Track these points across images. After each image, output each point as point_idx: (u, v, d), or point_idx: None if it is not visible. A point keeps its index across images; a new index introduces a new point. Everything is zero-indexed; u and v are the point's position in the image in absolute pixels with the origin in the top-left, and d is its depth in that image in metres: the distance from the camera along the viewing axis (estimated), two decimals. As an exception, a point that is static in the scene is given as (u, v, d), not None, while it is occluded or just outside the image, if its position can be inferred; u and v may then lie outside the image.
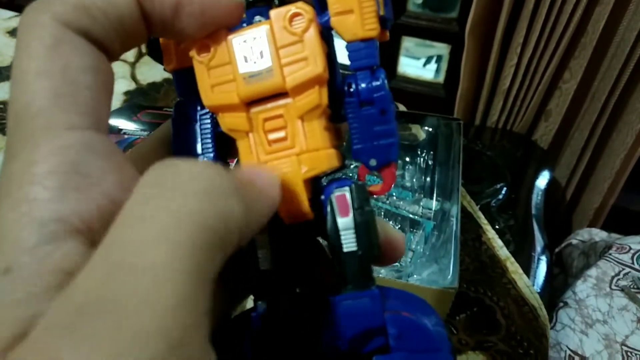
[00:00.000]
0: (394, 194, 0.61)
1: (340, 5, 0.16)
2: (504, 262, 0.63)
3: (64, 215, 0.12)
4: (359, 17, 0.16)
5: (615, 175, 0.96)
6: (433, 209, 0.60)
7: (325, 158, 0.16)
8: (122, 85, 0.86)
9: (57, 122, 0.13)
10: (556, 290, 0.76)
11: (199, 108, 0.18)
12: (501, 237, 0.66)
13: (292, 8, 0.15)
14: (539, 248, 0.69)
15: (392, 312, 0.16)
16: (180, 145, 0.18)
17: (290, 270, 0.17)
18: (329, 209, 0.16)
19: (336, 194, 0.16)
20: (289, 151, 0.16)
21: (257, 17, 0.17)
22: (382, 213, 0.59)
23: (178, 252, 0.11)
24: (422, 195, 0.61)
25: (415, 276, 0.51)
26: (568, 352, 0.61)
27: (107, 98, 0.15)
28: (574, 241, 0.85)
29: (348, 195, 0.16)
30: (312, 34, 0.15)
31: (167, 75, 0.90)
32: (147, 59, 0.94)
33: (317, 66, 0.15)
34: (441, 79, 1.13)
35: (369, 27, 0.16)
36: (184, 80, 0.18)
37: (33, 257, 0.12)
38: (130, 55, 0.95)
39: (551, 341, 0.60)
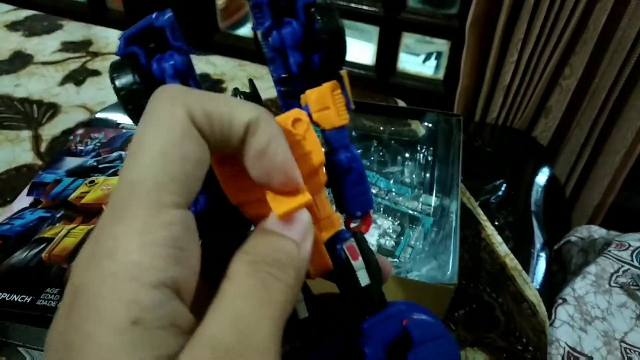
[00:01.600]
0: (394, 189, 0.61)
1: (319, 105, 0.21)
2: (503, 258, 0.62)
3: (167, 282, 0.15)
4: (335, 111, 0.21)
5: (614, 173, 0.96)
6: (432, 205, 0.59)
7: (336, 221, 0.22)
8: (120, 80, 0.86)
9: (167, 201, 0.16)
10: (555, 287, 0.76)
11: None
12: (500, 233, 0.66)
13: (290, 115, 0.19)
14: (538, 245, 0.69)
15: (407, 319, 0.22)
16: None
17: (323, 312, 0.22)
18: (342, 256, 0.22)
19: (346, 245, 0.22)
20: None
21: None
22: (382, 209, 0.58)
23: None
24: (422, 191, 0.61)
25: (414, 272, 0.51)
26: (567, 348, 0.61)
27: (194, 168, 0.17)
28: (573, 238, 0.85)
29: (355, 244, 0.22)
30: (311, 133, 0.20)
31: (166, 69, 0.89)
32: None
33: (319, 156, 0.20)
34: (441, 75, 1.13)
35: (343, 117, 0.21)
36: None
37: (152, 314, 0.15)
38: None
39: (550, 338, 0.60)
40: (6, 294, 0.42)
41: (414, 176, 0.64)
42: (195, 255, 0.17)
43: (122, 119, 0.63)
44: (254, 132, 0.17)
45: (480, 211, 0.69)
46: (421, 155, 0.67)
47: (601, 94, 0.89)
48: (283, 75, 0.21)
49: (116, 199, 0.16)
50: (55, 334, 0.15)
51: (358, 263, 0.22)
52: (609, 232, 0.83)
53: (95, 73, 0.87)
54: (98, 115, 0.65)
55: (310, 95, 0.21)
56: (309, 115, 0.21)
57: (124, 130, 0.61)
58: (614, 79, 0.87)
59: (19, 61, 0.89)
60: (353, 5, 1.15)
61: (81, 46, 0.95)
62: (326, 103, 0.21)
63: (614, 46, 0.84)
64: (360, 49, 1.42)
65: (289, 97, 0.22)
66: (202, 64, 0.91)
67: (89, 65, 0.89)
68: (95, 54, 0.93)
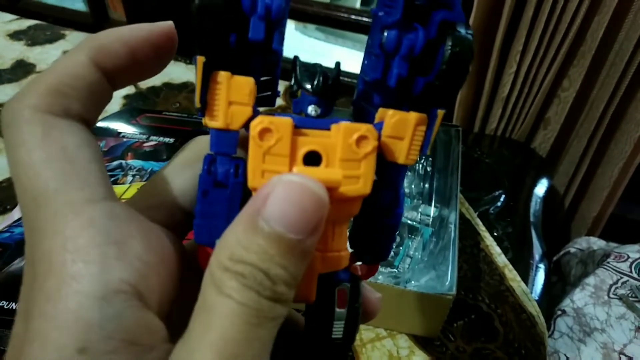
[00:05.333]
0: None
1: (395, 132, 0.17)
2: (502, 269, 0.63)
3: (115, 286, 0.13)
4: (407, 146, 0.17)
5: (613, 184, 0.96)
6: (431, 215, 0.60)
7: (342, 260, 0.18)
8: (121, 90, 0.86)
9: (76, 198, 0.14)
10: (554, 298, 0.76)
11: (232, 171, 0.17)
12: (499, 244, 0.66)
13: (361, 129, 0.16)
14: (537, 256, 0.69)
15: None
16: (206, 207, 0.17)
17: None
18: (329, 297, 0.19)
19: (340, 288, 0.19)
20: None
21: (311, 107, 0.18)
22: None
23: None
24: (421, 202, 0.61)
25: (413, 282, 0.51)
26: (566, 360, 0.61)
27: (104, 166, 0.16)
28: (572, 249, 0.85)
29: (348, 291, 0.19)
30: (371, 159, 0.17)
31: (167, 80, 0.90)
32: (147, 63, 0.95)
33: (366, 187, 0.17)
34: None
35: (412, 157, 0.18)
36: (224, 140, 0.17)
37: (101, 334, 0.13)
38: (130, 59, 0.95)
39: (549, 349, 0.60)
40: (5, 302, 0.42)
41: (413, 186, 0.64)
42: (138, 244, 0.15)
43: (123, 127, 0.64)
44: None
45: (479, 222, 0.69)
46: (420, 165, 0.67)
47: (599, 105, 0.89)
48: (376, 78, 0.18)
49: (29, 219, 0.14)
50: None
51: (341, 312, 0.19)
52: (608, 244, 0.83)
53: (97, 82, 0.88)
54: (99, 124, 0.66)
55: (392, 117, 0.17)
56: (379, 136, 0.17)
57: (125, 139, 0.61)
58: (612, 90, 0.87)
59: (22, 70, 0.90)
60: (353, 17, 1.16)
61: (83, 56, 0.95)
62: (403, 134, 0.17)
63: (612, 58, 0.84)
64: (361, 60, 1.43)
65: (364, 100, 0.19)
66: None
67: (90, 74, 0.90)
68: (97, 64, 0.93)
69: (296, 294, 0.17)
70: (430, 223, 0.59)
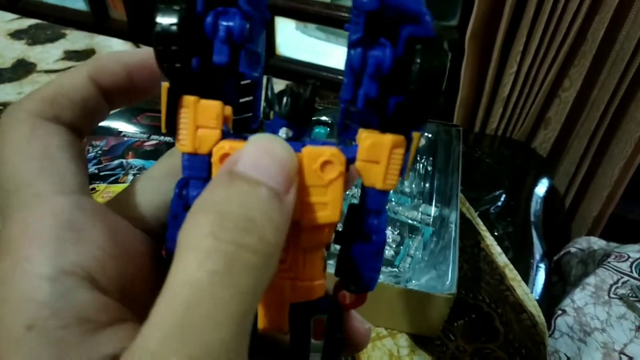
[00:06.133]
0: (393, 199, 0.61)
1: (369, 155, 0.16)
2: (502, 269, 0.63)
3: (67, 268, 0.13)
4: (383, 171, 0.17)
5: (614, 184, 0.96)
6: (432, 215, 0.60)
7: (315, 290, 0.17)
8: (122, 89, 0.86)
9: (45, 190, 0.15)
10: (554, 298, 0.76)
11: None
12: (500, 244, 0.66)
13: (325, 154, 0.16)
14: (537, 255, 0.69)
15: None
16: (176, 231, 0.15)
17: None
18: (304, 327, 0.18)
19: (317, 317, 0.18)
20: (283, 274, 0.17)
21: (282, 130, 0.17)
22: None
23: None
24: (421, 201, 0.61)
25: (413, 282, 0.51)
26: (566, 360, 0.61)
27: (84, 167, 0.17)
28: (573, 249, 0.85)
29: (324, 322, 0.18)
30: (338, 185, 0.16)
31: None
32: (147, 62, 0.95)
33: (335, 215, 0.16)
34: (441, 86, 1.13)
35: (390, 182, 0.17)
36: (194, 164, 0.17)
37: (51, 310, 0.13)
38: (130, 58, 0.95)
39: (549, 349, 0.60)
40: None
41: (413, 186, 0.64)
42: (99, 233, 0.15)
43: (124, 127, 0.64)
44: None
45: (479, 221, 0.69)
46: (421, 165, 0.67)
47: (600, 105, 0.89)
48: (347, 100, 0.17)
49: (1, 207, 0.15)
50: None
51: (317, 344, 0.18)
52: (608, 244, 0.83)
53: (98, 82, 0.88)
54: (100, 123, 0.66)
55: (365, 140, 0.16)
56: (352, 159, 0.17)
57: (125, 138, 0.61)
58: (612, 90, 0.87)
59: (22, 69, 0.90)
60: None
61: (83, 55, 0.96)
62: (379, 157, 0.16)
63: (613, 58, 0.84)
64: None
65: (348, 119, 0.18)
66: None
67: (91, 73, 0.90)
68: (97, 63, 0.93)
69: (269, 323, 0.17)
70: (430, 222, 0.59)
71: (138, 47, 0.99)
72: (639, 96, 0.87)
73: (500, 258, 0.64)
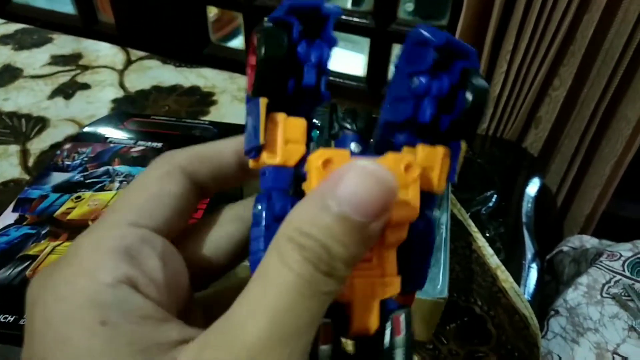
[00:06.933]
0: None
1: (426, 162, 0.19)
2: (494, 270, 0.62)
3: (122, 279, 0.16)
4: (437, 175, 0.19)
5: (605, 182, 0.96)
6: (423, 217, 0.59)
7: (398, 284, 0.19)
8: (109, 93, 0.86)
9: (126, 220, 0.18)
10: (547, 297, 0.75)
11: (289, 207, 0.18)
12: (491, 245, 0.66)
13: (406, 158, 0.18)
14: (529, 256, 0.69)
15: None
16: (268, 242, 0.18)
17: None
18: (387, 327, 0.19)
19: (395, 314, 0.19)
20: (371, 272, 0.18)
21: (353, 144, 0.20)
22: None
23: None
24: (412, 204, 0.61)
25: (404, 286, 0.50)
26: (559, 361, 0.61)
27: (181, 219, 0.20)
28: (565, 248, 0.85)
29: (403, 318, 0.19)
30: (417, 185, 0.18)
31: (156, 83, 0.89)
32: (135, 66, 0.94)
33: (415, 211, 0.18)
34: (432, 86, 1.13)
35: (441, 185, 0.20)
36: (280, 176, 0.18)
37: (118, 310, 0.16)
38: (118, 62, 0.94)
39: (542, 350, 0.60)
40: (-12, 313, 0.41)
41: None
42: (154, 266, 0.18)
43: (111, 132, 0.63)
44: None
45: (471, 222, 0.69)
46: (411, 167, 0.67)
47: (590, 104, 0.89)
48: (408, 117, 0.19)
49: (96, 221, 0.19)
50: (30, 345, 0.16)
51: (399, 339, 0.19)
52: (600, 242, 0.83)
53: (85, 86, 0.87)
54: (86, 129, 0.65)
55: (423, 150, 0.19)
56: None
57: (112, 145, 0.60)
58: (602, 89, 0.87)
59: (8, 75, 0.89)
60: (344, 17, 1.16)
61: (71, 59, 0.95)
62: (433, 164, 0.19)
63: (602, 56, 0.84)
64: (352, 60, 1.43)
65: (385, 144, 0.21)
66: (194, 76, 0.91)
67: (78, 78, 0.89)
68: (85, 67, 0.92)
69: (359, 327, 0.18)
70: (421, 225, 0.58)
71: (126, 50, 0.98)
72: (629, 94, 0.87)
73: (492, 260, 0.63)
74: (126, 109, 0.81)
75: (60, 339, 0.15)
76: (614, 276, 0.70)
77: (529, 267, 0.67)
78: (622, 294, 0.67)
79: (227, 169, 0.21)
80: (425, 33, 0.18)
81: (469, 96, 0.18)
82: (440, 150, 0.19)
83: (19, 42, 0.99)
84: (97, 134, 0.63)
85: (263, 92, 0.18)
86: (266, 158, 0.18)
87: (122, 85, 0.88)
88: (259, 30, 0.18)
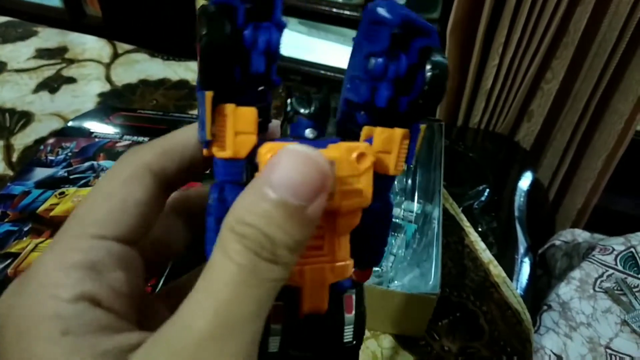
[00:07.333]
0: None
1: (384, 147, 0.19)
2: (486, 265, 0.62)
3: (83, 296, 0.16)
4: (395, 159, 0.19)
5: (597, 176, 0.96)
6: (415, 211, 0.58)
7: (348, 269, 0.19)
8: (95, 87, 0.84)
9: (90, 232, 0.18)
10: (539, 291, 0.75)
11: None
12: (484, 239, 0.65)
13: (360, 147, 0.18)
14: (522, 250, 0.68)
15: None
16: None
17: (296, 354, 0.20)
18: (337, 305, 0.20)
19: (347, 294, 0.20)
20: (322, 258, 0.19)
21: (309, 130, 0.20)
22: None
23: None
24: (404, 198, 0.60)
25: (396, 282, 0.50)
26: (552, 356, 0.60)
27: (146, 221, 0.19)
28: (557, 242, 0.85)
29: (354, 297, 0.20)
30: (370, 173, 0.18)
31: (143, 77, 0.88)
32: (122, 59, 0.92)
33: (368, 199, 0.18)
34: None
35: (399, 168, 0.20)
36: (232, 168, 0.18)
37: (77, 322, 0.16)
38: (105, 55, 0.93)
39: (535, 345, 0.59)
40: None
41: (395, 182, 0.63)
42: (118, 278, 0.18)
43: (96, 127, 0.62)
44: None
45: (463, 217, 0.68)
46: (403, 161, 0.66)
47: (583, 97, 0.89)
48: (367, 100, 0.19)
49: (59, 231, 0.18)
50: None
51: (349, 317, 0.20)
52: (592, 236, 0.82)
53: (71, 80, 0.85)
54: (70, 123, 0.63)
55: (381, 134, 0.19)
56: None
57: (97, 139, 0.59)
58: (595, 82, 0.87)
59: (-9, 69, 0.87)
60: (335, 10, 1.14)
61: (56, 53, 0.93)
62: (391, 148, 0.19)
63: (595, 49, 0.84)
64: (342, 53, 1.41)
65: (348, 121, 0.21)
66: (182, 70, 0.90)
67: (64, 72, 0.87)
68: (71, 61, 0.90)
69: (309, 305, 0.19)
70: (413, 219, 0.57)
71: (112, 44, 0.96)
72: (621, 88, 0.86)
73: (485, 254, 0.63)
74: (113, 103, 0.80)
75: (26, 352, 0.16)
76: (607, 270, 0.70)
77: (522, 261, 0.66)
78: (615, 288, 0.67)
79: (195, 160, 0.20)
80: (381, 12, 0.18)
81: (427, 75, 0.18)
82: (398, 133, 0.19)
83: (3, 35, 0.97)
84: (82, 128, 0.62)
85: (209, 82, 0.17)
86: (216, 151, 0.18)
87: (108, 79, 0.87)
88: (200, 15, 0.17)
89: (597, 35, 0.82)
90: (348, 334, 0.20)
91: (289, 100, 0.20)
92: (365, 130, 0.20)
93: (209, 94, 0.17)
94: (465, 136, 0.94)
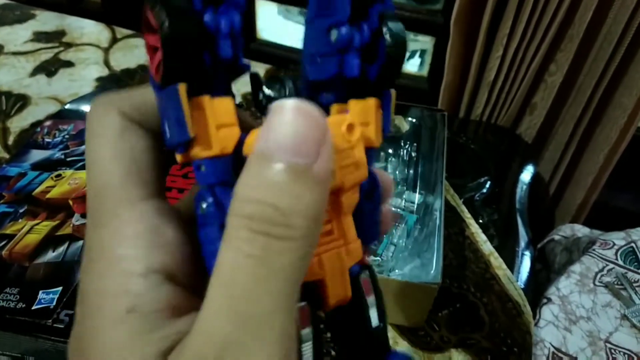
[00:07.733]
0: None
1: (362, 119, 0.18)
2: (487, 257, 0.61)
3: (155, 267, 0.16)
4: (374, 129, 0.19)
5: (598, 171, 0.95)
6: (416, 202, 0.58)
7: (360, 248, 0.19)
8: (94, 71, 0.83)
9: (133, 195, 0.17)
10: (538, 286, 0.75)
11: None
12: (485, 231, 0.65)
13: (347, 118, 0.17)
14: (522, 243, 0.68)
15: None
16: (204, 236, 0.16)
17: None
18: (358, 291, 0.19)
19: (363, 278, 0.19)
20: (335, 242, 0.18)
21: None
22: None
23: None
24: (405, 188, 0.59)
25: (397, 271, 0.49)
26: (552, 349, 0.60)
27: (162, 172, 0.18)
28: (557, 237, 0.84)
29: (369, 279, 0.19)
30: (361, 145, 0.17)
31: (143, 62, 0.86)
32: (121, 44, 0.91)
33: (365, 171, 0.18)
34: (425, 72, 1.11)
35: (379, 138, 0.19)
36: (220, 167, 0.16)
37: (146, 299, 0.15)
38: (104, 40, 0.91)
39: (535, 338, 0.59)
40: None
41: (397, 172, 0.62)
42: (176, 237, 0.17)
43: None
44: None
45: (464, 209, 0.68)
46: (405, 151, 0.65)
47: (586, 91, 0.88)
48: (335, 73, 0.18)
49: (92, 207, 0.17)
50: (72, 339, 0.16)
51: (371, 300, 0.19)
52: (592, 231, 0.82)
53: (68, 64, 0.84)
54: (68, 106, 0.62)
55: (355, 105, 0.18)
56: None
57: (95, 122, 0.58)
58: (599, 75, 0.86)
59: (-12, 51, 0.86)
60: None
61: (54, 36, 0.91)
62: (368, 118, 0.19)
63: (600, 42, 0.83)
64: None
65: (314, 93, 0.20)
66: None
67: (61, 56, 0.86)
68: (68, 45, 0.89)
69: (336, 297, 0.18)
70: (414, 210, 0.57)
71: (111, 28, 0.95)
72: (625, 82, 0.86)
73: (486, 246, 0.62)
74: (111, 88, 0.79)
75: (93, 330, 0.15)
76: (607, 264, 0.69)
77: (523, 254, 0.66)
78: (615, 282, 0.67)
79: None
80: None
81: (390, 41, 0.18)
82: (372, 103, 0.19)
83: (0, 17, 0.96)
84: (80, 111, 0.61)
85: (176, 75, 0.15)
86: (200, 151, 0.16)
87: (107, 63, 0.85)
88: (154, 2, 0.15)
89: (602, 28, 0.81)
90: (374, 318, 0.19)
91: (262, 88, 0.19)
92: (335, 108, 0.19)
93: (182, 87, 0.15)
94: (467, 128, 0.93)
